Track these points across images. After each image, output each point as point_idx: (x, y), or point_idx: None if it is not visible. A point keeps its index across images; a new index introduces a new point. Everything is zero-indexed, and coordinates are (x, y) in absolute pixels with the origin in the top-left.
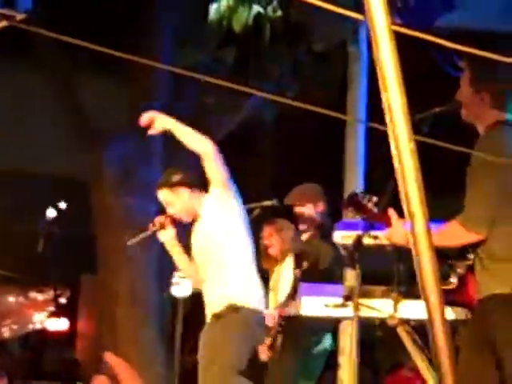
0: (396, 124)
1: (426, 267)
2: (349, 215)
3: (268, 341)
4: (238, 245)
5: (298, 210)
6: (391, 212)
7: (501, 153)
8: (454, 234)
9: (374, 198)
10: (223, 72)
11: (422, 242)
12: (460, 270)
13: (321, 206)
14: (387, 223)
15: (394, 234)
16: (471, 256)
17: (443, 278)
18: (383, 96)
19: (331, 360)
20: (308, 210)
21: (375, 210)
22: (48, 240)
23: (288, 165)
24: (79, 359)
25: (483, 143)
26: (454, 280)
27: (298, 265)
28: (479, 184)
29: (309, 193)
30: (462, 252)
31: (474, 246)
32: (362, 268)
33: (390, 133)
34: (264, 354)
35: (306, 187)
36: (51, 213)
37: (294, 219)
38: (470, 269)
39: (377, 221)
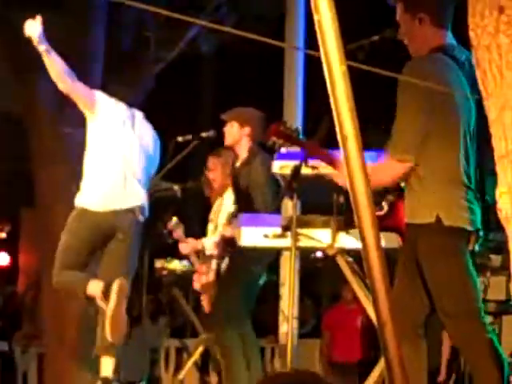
0: (328, 47)
1: (359, 190)
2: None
3: (210, 269)
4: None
5: (226, 127)
6: (337, 152)
7: (429, 78)
8: (385, 167)
9: (297, 126)
10: (161, 4)
11: (354, 164)
12: (390, 197)
13: (247, 130)
14: (327, 161)
15: (338, 174)
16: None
17: (374, 204)
18: (315, 18)
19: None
20: (233, 127)
21: (300, 138)
22: None
23: (228, 98)
24: (21, 294)
25: (412, 70)
26: (384, 206)
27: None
28: (405, 113)
29: (239, 113)
30: None
31: None
32: (301, 198)
33: (322, 56)
34: (197, 284)
35: (242, 108)
36: None
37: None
38: (400, 195)
39: (314, 156)
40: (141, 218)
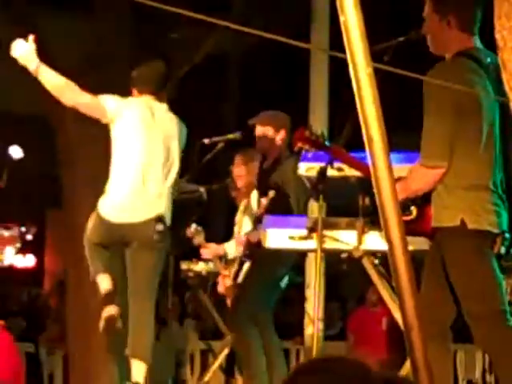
0: (354, 48)
1: (385, 192)
2: (298, 147)
3: (232, 271)
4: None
5: (258, 130)
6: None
7: (456, 81)
8: (419, 175)
9: (323, 131)
10: (187, 5)
11: (380, 166)
12: (419, 201)
13: (282, 134)
14: (353, 165)
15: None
16: None
17: (403, 208)
18: (341, 19)
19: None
20: (268, 132)
21: (327, 143)
22: (12, 177)
23: (254, 98)
24: (46, 295)
25: (437, 73)
26: (413, 210)
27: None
28: (432, 118)
29: (273, 117)
30: None
31: None
32: (327, 200)
33: (348, 57)
34: (221, 287)
35: (272, 112)
36: (15, 150)
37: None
38: (429, 199)
39: (340, 159)
40: (159, 228)
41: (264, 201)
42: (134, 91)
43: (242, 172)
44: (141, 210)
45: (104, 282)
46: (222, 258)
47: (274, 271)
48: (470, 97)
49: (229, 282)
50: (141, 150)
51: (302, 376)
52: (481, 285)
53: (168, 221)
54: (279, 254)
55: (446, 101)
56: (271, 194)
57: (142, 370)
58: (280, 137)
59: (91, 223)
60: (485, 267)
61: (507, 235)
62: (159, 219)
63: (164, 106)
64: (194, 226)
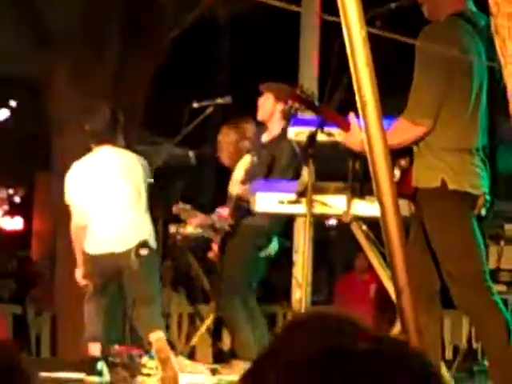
0: (348, 12)
1: (378, 156)
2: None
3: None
4: None
5: (261, 99)
6: (351, 116)
7: (447, 44)
8: (402, 129)
9: (313, 91)
10: None
11: (373, 130)
12: (403, 162)
13: (281, 106)
14: (343, 126)
15: (351, 140)
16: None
17: None
18: None
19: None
20: (269, 100)
21: (316, 103)
22: (0, 139)
23: (244, 61)
24: (34, 258)
25: (430, 34)
26: (396, 173)
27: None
28: (424, 76)
29: (278, 88)
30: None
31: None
32: (316, 165)
33: (342, 20)
34: (212, 253)
35: (278, 84)
36: (3, 113)
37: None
38: (412, 161)
39: (330, 120)
40: (143, 252)
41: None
42: (92, 145)
43: (225, 145)
44: (123, 239)
45: (93, 349)
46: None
47: (256, 244)
48: (462, 59)
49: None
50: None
51: (294, 329)
52: (461, 246)
53: (153, 244)
54: (261, 226)
55: (437, 61)
56: (254, 159)
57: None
58: (279, 108)
59: (84, 269)
60: (465, 229)
61: (488, 197)
62: (143, 245)
63: (120, 151)
64: (180, 204)
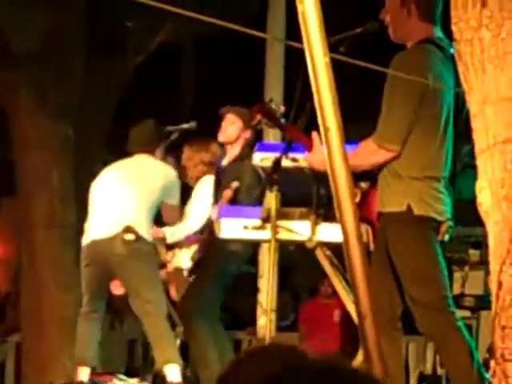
0: (311, 38)
1: (341, 182)
2: (256, 120)
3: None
4: None
5: (227, 121)
6: (314, 136)
7: (419, 71)
8: (367, 152)
9: (282, 108)
10: None
11: (336, 156)
12: (363, 185)
13: (248, 134)
14: (307, 145)
15: (314, 158)
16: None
17: None
18: (299, 8)
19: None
20: (237, 125)
21: (282, 120)
22: None
23: (208, 88)
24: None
25: (402, 60)
26: (357, 195)
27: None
28: (395, 102)
29: (245, 113)
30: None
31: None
32: (281, 191)
33: (305, 47)
34: (163, 272)
35: (245, 110)
36: None
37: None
38: (373, 185)
39: (294, 139)
40: (128, 237)
41: (228, 192)
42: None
43: (189, 165)
44: (108, 226)
45: (82, 374)
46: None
47: (229, 269)
48: (433, 86)
49: (169, 267)
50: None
51: (239, 365)
52: (424, 271)
53: (144, 234)
54: (232, 250)
55: (411, 87)
56: (234, 184)
57: (177, 371)
58: (245, 136)
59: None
60: (429, 254)
61: (451, 223)
62: (127, 229)
63: (152, 160)
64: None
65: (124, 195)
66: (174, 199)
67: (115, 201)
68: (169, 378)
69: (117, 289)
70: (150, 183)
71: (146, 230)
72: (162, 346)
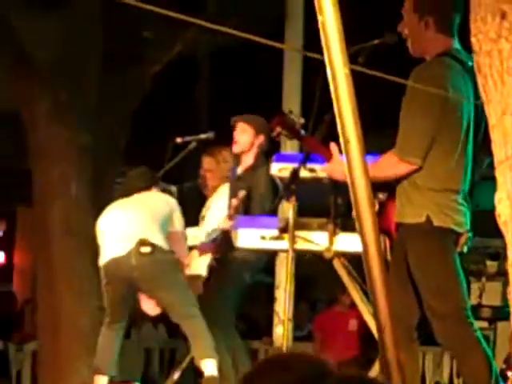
0: (331, 49)
1: (361, 194)
2: (276, 132)
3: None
4: None
5: (239, 130)
6: (333, 146)
7: (439, 84)
8: (389, 164)
9: (301, 120)
10: (160, 4)
11: (356, 167)
12: (381, 196)
13: (261, 139)
14: (326, 156)
15: (333, 168)
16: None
17: None
18: (319, 19)
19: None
20: (249, 134)
21: (302, 132)
22: None
23: (225, 98)
24: (16, 292)
25: (422, 74)
26: (376, 205)
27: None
28: (416, 115)
29: (255, 120)
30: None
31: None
32: (299, 201)
33: (325, 58)
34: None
35: (255, 116)
36: None
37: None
38: (391, 196)
39: (313, 150)
40: (145, 250)
41: (234, 201)
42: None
43: (211, 175)
44: (123, 243)
45: (98, 382)
46: None
47: (243, 277)
48: (453, 99)
49: (188, 272)
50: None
51: (261, 373)
52: (444, 282)
53: (159, 243)
54: (248, 260)
55: (432, 101)
56: (241, 194)
57: (213, 365)
58: (259, 141)
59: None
60: (448, 265)
61: (470, 234)
62: (142, 243)
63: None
64: None
65: (133, 216)
66: (179, 226)
67: (125, 222)
68: (206, 372)
69: (153, 310)
70: (156, 208)
71: (160, 239)
72: (198, 345)
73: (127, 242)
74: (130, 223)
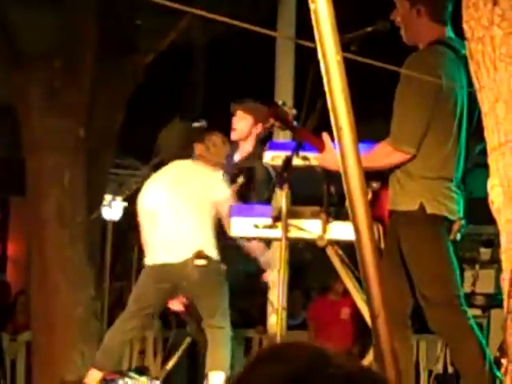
0: (323, 36)
1: (354, 182)
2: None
3: None
4: None
5: (237, 117)
6: (325, 136)
7: (433, 73)
8: (383, 154)
9: (294, 111)
10: None
11: (349, 155)
12: (374, 184)
13: (259, 129)
14: (318, 147)
15: (326, 158)
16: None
17: None
18: (311, 7)
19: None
20: (247, 121)
21: (294, 122)
22: None
23: (219, 87)
24: (10, 282)
25: (415, 62)
26: (369, 193)
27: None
28: (409, 104)
29: (254, 108)
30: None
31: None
32: (292, 189)
33: (318, 45)
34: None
35: (255, 104)
36: None
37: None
38: (384, 183)
39: (305, 141)
40: (199, 263)
41: (232, 188)
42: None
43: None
44: (179, 250)
45: (91, 376)
46: None
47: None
48: (446, 88)
49: None
50: (166, 209)
51: (261, 363)
52: (437, 270)
53: (211, 253)
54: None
55: (425, 89)
56: (240, 180)
57: (220, 378)
58: (257, 130)
59: (135, 292)
60: (441, 253)
61: (463, 222)
62: (198, 255)
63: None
64: None
65: (186, 214)
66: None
67: (179, 221)
68: None
69: (177, 306)
70: (203, 195)
71: (213, 248)
72: (214, 354)
73: (183, 249)
74: (185, 224)
